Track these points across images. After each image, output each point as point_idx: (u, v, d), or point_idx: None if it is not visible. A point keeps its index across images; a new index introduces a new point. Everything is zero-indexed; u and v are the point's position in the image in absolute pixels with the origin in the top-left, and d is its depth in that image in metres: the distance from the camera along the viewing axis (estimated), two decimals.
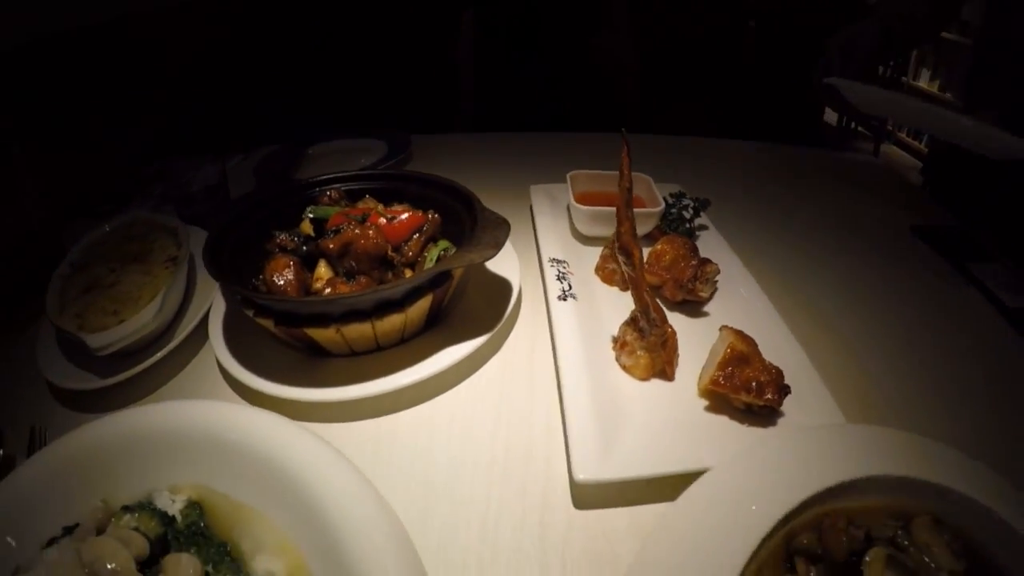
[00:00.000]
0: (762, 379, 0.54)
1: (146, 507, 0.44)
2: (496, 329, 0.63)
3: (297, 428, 0.49)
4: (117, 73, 1.06)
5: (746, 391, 0.54)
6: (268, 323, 0.57)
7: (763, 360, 0.56)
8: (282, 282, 0.58)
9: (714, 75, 1.71)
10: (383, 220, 0.62)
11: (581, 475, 0.48)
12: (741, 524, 0.39)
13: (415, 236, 0.62)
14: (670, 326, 0.58)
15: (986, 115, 0.80)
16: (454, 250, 0.65)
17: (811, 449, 0.46)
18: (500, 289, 0.70)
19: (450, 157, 1.21)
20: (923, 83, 3.15)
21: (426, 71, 1.61)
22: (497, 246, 0.57)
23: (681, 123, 1.45)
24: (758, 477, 0.43)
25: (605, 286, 0.74)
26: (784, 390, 0.55)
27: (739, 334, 0.58)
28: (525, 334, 0.68)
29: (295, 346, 0.62)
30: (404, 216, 0.62)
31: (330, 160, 1.15)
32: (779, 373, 0.56)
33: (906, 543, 0.42)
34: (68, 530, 0.42)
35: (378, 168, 1.03)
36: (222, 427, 0.49)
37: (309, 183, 0.73)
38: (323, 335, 0.56)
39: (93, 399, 0.61)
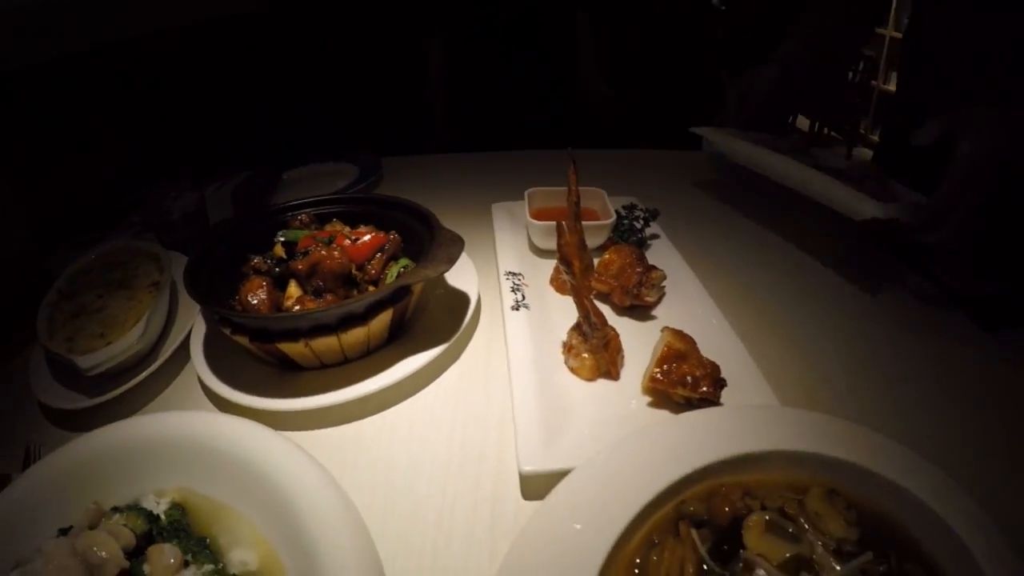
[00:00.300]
0: (697, 374, 0.61)
1: (133, 508, 0.51)
2: (453, 340, 0.70)
3: (270, 433, 0.55)
4: (93, 103, 1.13)
5: (682, 385, 0.60)
6: (244, 340, 0.64)
7: (700, 356, 0.63)
8: (256, 301, 0.65)
9: (681, 87, 1.79)
10: (348, 241, 0.69)
11: (526, 467, 0.54)
12: (631, 490, 0.46)
13: (377, 255, 0.69)
14: (612, 328, 0.65)
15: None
16: (414, 267, 0.72)
17: (710, 426, 0.53)
18: (460, 302, 0.77)
19: (419, 178, 1.29)
20: (892, 86, 3.27)
21: (397, 95, 1.69)
22: (451, 261, 0.64)
23: (650, 136, 1.52)
24: (651, 452, 0.50)
25: (559, 296, 0.81)
26: (720, 383, 0.61)
27: (677, 333, 0.64)
28: (483, 343, 0.75)
29: (269, 361, 0.68)
30: (367, 237, 0.69)
31: (304, 184, 1.22)
32: (715, 368, 0.62)
33: (792, 512, 0.46)
34: (64, 531, 0.49)
35: (348, 192, 1.10)
36: (202, 435, 0.56)
37: (281, 208, 0.80)
38: (294, 349, 0.63)
39: (84, 418, 0.66)
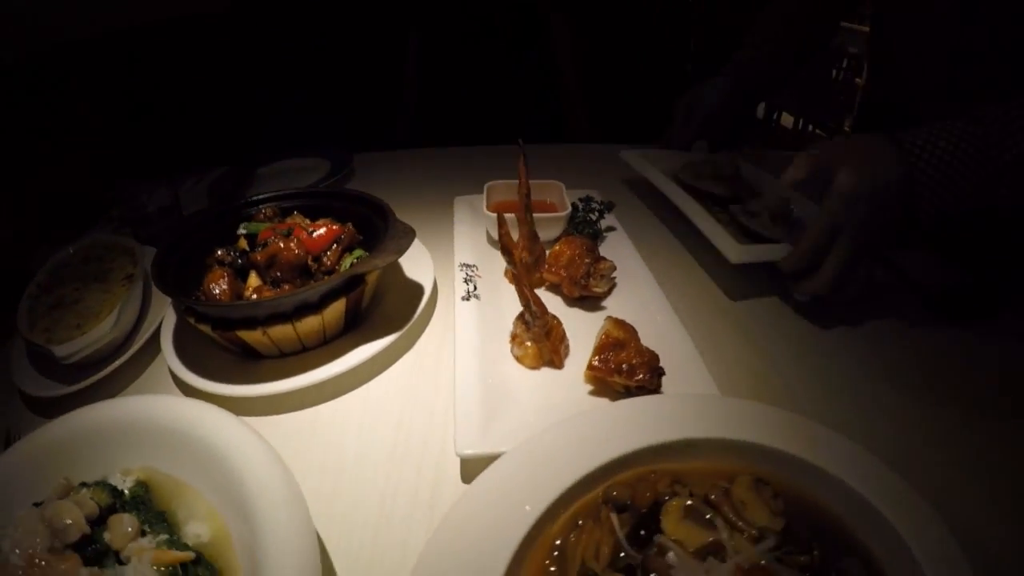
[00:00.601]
0: (634, 362, 0.64)
1: (100, 484, 0.56)
2: (405, 330, 0.75)
3: (228, 417, 0.60)
4: (72, 101, 1.19)
5: (619, 373, 0.64)
6: (207, 328, 0.70)
7: (639, 345, 0.67)
8: (218, 291, 0.71)
9: (658, 84, 1.84)
10: (305, 234, 0.74)
11: (463, 450, 0.58)
12: (557, 473, 0.50)
13: (333, 247, 0.75)
14: (554, 317, 0.71)
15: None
16: (366, 257, 0.77)
17: (643, 413, 0.56)
18: (416, 293, 0.82)
19: (391, 172, 1.35)
20: None
21: (373, 92, 1.75)
22: (399, 252, 0.70)
23: (626, 132, 1.56)
24: (581, 437, 0.54)
25: (512, 287, 0.86)
26: (658, 372, 0.65)
27: (618, 322, 0.69)
28: (436, 333, 0.81)
29: (232, 350, 0.74)
30: (322, 230, 0.75)
31: (277, 179, 1.28)
32: (653, 356, 0.66)
33: (716, 499, 0.48)
34: (37, 504, 0.55)
35: (319, 186, 1.17)
36: (166, 418, 0.61)
37: (247, 203, 0.86)
38: (252, 337, 0.69)
39: (61, 405, 0.71)
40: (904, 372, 0.74)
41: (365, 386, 0.73)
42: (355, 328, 0.78)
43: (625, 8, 2.22)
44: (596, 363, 0.65)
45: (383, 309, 0.81)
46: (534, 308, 0.68)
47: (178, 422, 0.61)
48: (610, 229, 0.97)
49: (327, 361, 0.72)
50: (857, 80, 2.88)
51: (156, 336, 0.80)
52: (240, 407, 0.69)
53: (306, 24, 1.73)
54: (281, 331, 0.68)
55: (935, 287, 0.86)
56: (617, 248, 0.91)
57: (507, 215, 0.79)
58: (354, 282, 0.71)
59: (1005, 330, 0.79)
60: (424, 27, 1.76)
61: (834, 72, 3.04)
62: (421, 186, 1.24)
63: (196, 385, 0.71)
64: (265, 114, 1.67)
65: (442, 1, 1.69)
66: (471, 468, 0.61)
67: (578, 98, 1.91)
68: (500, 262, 0.89)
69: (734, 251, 0.83)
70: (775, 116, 3.45)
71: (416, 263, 0.87)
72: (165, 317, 0.82)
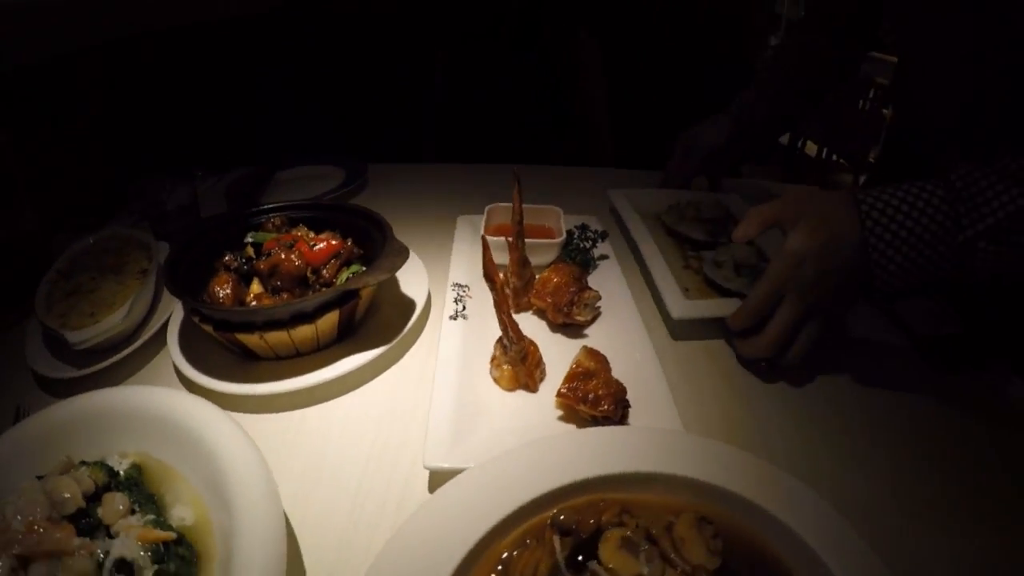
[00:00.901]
0: (600, 392, 0.68)
1: (98, 463, 0.63)
2: (393, 343, 0.81)
3: (217, 412, 0.66)
4: (102, 97, 1.29)
5: (584, 402, 0.68)
6: (208, 328, 0.77)
7: (607, 376, 0.71)
8: (221, 295, 0.78)
9: (685, 113, 1.89)
10: (307, 247, 0.81)
11: (430, 463, 0.63)
12: (511, 493, 0.55)
13: (332, 261, 0.82)
14: (531, 343, 0.76)
15: None
16: (361, 272, 0.84)
17: (602, 442, 0.59)
18: (409, 307, 0.89)
19: (403, 185, 1.42)
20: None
21: (397, 103, 1.83)
22: (392, 270, 0.76)
23: (653, 156, 1.61)
24: (539, 460, 0.58)
25: None
26: (622, 404, 0.69)
27: (590, 353, 0.74)
28: (424, 349, 0.87)
29: (232, 349, 0.81)
30: (323, 244, 0.82)
31: (294, 185, 1.36)
32: (620, 389, 0.70)
33: (656, 533, 0.51)
34: (40, 478, 0.62)
35: (332, 194, 1.25)
36: (162, 408, 0.67)
37: (256, 211, 0.93)
38: (250, 340, 0.76)
39: (70, 387, 0.79)
40: (884, 428, 0.74)
41: (352, 393, 0.79)
42: (350, 336, 0.84)
43: (652, 31, 2.28)
44: (564, 391, 0.70)
45: (378, 320, 0.88)
46: (511, 333, 0.74)
47: (173, 413, 0.67)
48: (603, 257, 1.02)
49: (320, 367, 0.78)
50: (884, 111, 2.90)
51: (164, 330, 0.88)
52: (235, 404, 0.75)
53: (337, 34, 1.82)
54: (277, 337, 0.75)
55: (928, 334, 0.86)
56: (607, 277, 0.96)
57: (496, 239, 0.85)
58: (347, 296, 0.77)
59: (991, 388, 0.80)
60: (450, 45, 1.84)
61: (861, 103, 3.07)
62: (431, 201, 1.31)
63: (196, 380, 0.78)
64: (288, 118, 1.76)
65: (468, 22, 1.76)
66: (439, 481, 0.64)
67: (603, 119, 1.97)
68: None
69: (676, 306, 0.85)
70: (800, 144, 3.48)
71: (413, 278, 0.93)
72: (173, 313, 0.89)
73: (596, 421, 0.69)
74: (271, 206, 0.94)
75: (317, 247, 0.81)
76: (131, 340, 0.86)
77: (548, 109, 1.90)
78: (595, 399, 0.68)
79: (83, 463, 0.63)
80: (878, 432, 0.74)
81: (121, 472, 0.64)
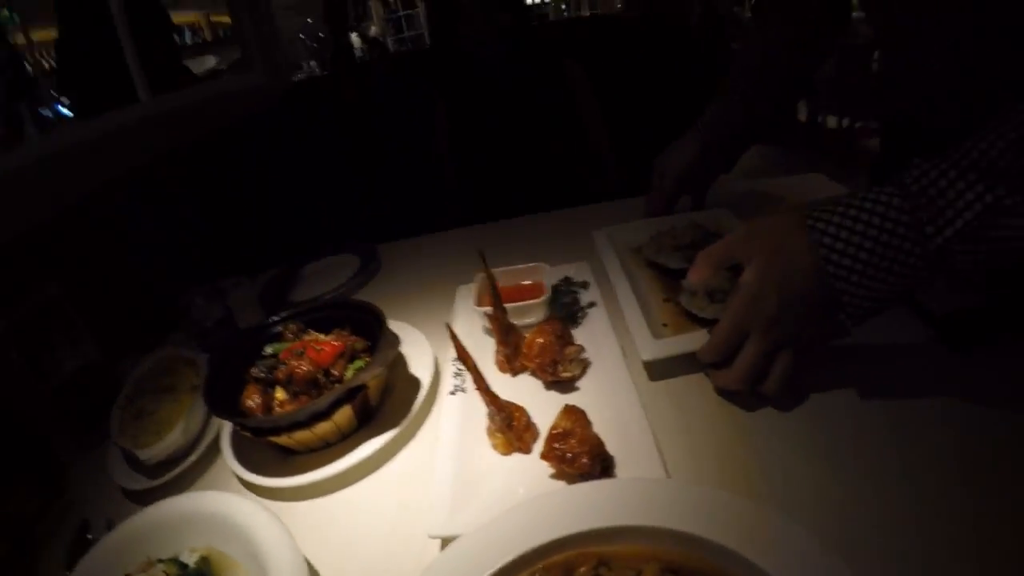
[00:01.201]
0: (576, 451, 0.72)
1: (172, 560, 0.80)
2: (403, 426, 0.94)
3: (257, 507, 0.80)
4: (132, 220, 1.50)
5: (563, 462, 0.73)
6: (248, 435, 0.93)
7: (584, 433, 0.76)
8: (252, 405, 0.94)
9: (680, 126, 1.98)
10: (314, 351, 0.96)
11: (432, 531, 0.71)
12: (494, 555, 0.62)
13: (339, 360, 0.96)
14: (515, 408, 0.85)
15: None
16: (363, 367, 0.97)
17: (580, 498, 0.65)
18: (417, 386, 1.02)
19: (413, 259, 1.56)
20: None
21: (409, 180, 1.99)
22: (385, 363, 0.90)
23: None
24: (524, 521, 0.65)
25: (501, 375, 1.02)
26: (600, 458, 0.74)
27: (567, 412, 0.80)
28: (435, 422, 0.98)
29: (271, 448, 0.97)
30: (325, 347, 0.97)
31: (320, 277, 1.51)
32: (597, 444, 0.74)
33: None
34: None
35: (353, 281, 1.41)
36: (218, 508, 0.84)
37: (272, 323, 1.09)
38: (281, 440, 0.91)
39: (147, 496, 0.96)
40: (895, 443, 0.72)
41: (376, 472, 0.92)
42: (370, 421, 0.99)
43: (640, 58, 2.38)
44: (544, 453, 0.76)
45: (393, 400, 1.01)
46: (491, 407, 0.85)
47: (226, 512, 0.83)
48: (591, 305, 1.10)
49: (345, 453, 0.92)
50: None
51: (217, 439, 1.05)
52: (277, 494, 0.91)
53: (336, 119, 2.02)
54: (302, 435, 0.90)
55: (948, 311, 0.83)
56: (594, 326, 1.04)
57: (485, 309, 0.96)
58: (355, 391, 0.91)
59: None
60: (449, 96, 2.00)
61: (875, 66, 3.00)
62: (438, 270, 1.43)
63: (245, 478, 0.94)
64: (305, 211, 1.96)
65: (465, 76, 1.90)
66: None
67: (604, 141, 2.07)
68: (493, 351, 1.06)
69: (645, 348, 0.88)
70: (820, 119, 3.44)
71: (419, 356, 1.07)
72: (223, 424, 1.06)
73: (582, 476, 0.73)
74: (283, 316, 1.09)
75: (322, 350, 0.96)
76: (195, 447, 1.04)
77: (553, 137, 2.00)
78: (572, 458, 0.73)
79: (159, 560, 0.80)
80: (888, 449, 0.71)
81: (191, 564, 0.80)
